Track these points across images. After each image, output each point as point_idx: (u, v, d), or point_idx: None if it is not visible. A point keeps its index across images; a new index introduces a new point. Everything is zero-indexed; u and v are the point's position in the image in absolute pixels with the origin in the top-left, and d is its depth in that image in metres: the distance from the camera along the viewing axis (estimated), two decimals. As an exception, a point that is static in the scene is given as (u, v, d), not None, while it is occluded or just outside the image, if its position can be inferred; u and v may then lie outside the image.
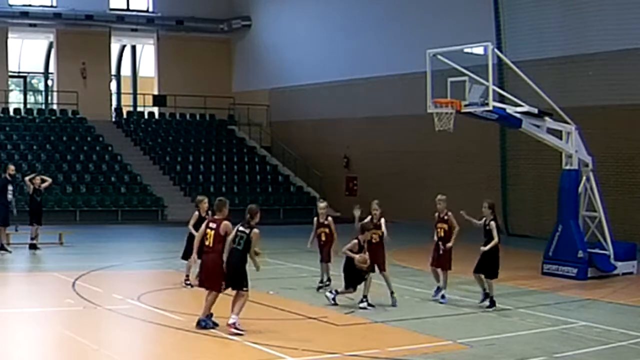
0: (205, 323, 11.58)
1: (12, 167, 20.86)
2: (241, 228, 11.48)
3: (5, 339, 11.13)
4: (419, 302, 14.30)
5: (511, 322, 12.70)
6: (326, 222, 15.01)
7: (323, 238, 15.03)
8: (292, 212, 32.94)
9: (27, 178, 21.39)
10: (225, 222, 11.57)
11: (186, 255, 15.01)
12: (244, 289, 11.40)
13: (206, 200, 15.42)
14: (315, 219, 15.18)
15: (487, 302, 13.67)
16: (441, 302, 14.05)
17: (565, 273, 17.21)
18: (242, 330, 11.25)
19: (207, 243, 11.63)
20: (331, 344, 11.03)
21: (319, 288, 14.97)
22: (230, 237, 11.44)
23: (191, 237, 14.25)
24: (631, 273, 17.87)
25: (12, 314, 12.92)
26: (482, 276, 13.76)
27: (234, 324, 11.27)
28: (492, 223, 13.62)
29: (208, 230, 11.63)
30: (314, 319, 12.56)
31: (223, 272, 11.46)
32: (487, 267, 13.66)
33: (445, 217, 14.28)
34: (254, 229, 11.44)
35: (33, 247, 21.01)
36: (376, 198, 14.61)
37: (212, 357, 10.31)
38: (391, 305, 13.63)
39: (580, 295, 15.35)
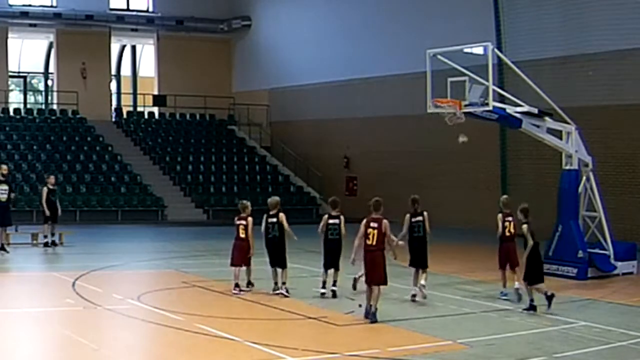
0: (375, 317, 12.05)
1: (4, 167, 20.93)
2: (414, 218, 13.96)
3: (5, 338, 11.13)
4: (419, 302, 14.29)
5: (511, 322, 12.70)
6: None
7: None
8: (292, 212, 32.85)
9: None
10: (385, 220, 12.28)
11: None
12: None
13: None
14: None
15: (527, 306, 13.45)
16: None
17: (566, 273, 17.20)
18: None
19: (369, 242, 12.18)
20: (331, 344, 11.03)
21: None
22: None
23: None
24: (631, 273, 17.87)
25: (12, 314, 12.95)
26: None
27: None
28: (524, 227, 13.41)
29: (370, 230, 12.17)
30: (314, 319, 12.58)
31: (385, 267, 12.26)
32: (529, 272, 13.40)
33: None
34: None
35: (53, 244, 21.40)
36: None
37: (211, 357, 10.31)
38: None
39: (580, 295, 15.34)
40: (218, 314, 12.93)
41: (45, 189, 21.76)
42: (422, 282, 14.12)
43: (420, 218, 14.23)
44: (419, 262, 14.19)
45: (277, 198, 14.66)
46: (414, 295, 14.14)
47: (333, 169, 34.45)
